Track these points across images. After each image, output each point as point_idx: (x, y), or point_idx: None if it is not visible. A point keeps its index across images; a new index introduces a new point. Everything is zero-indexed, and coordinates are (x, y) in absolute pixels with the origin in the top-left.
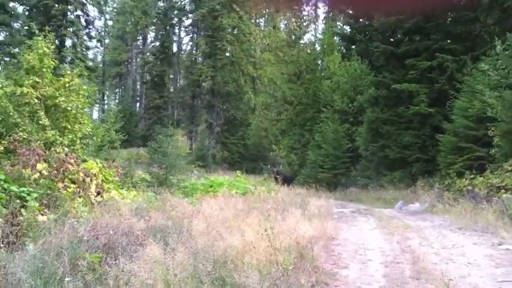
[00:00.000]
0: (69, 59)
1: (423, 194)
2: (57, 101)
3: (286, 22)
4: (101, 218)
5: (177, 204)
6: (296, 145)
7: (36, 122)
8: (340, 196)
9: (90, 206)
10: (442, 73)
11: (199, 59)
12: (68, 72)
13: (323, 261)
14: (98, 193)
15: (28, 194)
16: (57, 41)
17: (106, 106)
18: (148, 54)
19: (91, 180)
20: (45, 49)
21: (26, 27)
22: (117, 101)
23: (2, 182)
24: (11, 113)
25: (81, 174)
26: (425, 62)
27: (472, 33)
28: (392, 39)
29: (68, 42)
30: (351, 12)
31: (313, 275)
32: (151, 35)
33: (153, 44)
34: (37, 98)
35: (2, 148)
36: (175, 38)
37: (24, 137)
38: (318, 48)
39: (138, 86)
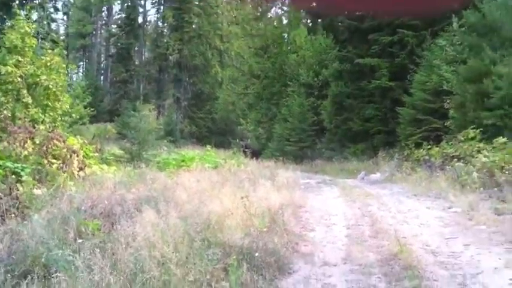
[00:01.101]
0: (34, 32)
1: (384, 165)
2: (38, 79)
3: None
4: (91, 191)
5: (155, 177)
6: (263, 119)
7: (20, 100)
8: (306, 168)
9: (75, 181)
10: (402, 48)
11: (166, 31)
12: (49, 51)
13: (293, 225)
14: (80, 168)
15: (22, 170)
16: (23, 13)
17: (69, 80)
18: (114, 26)
19: (74, 156)
20: (26, 28)
21: None
22: (81, 74)
23: None
24: None
25: (64, 150)
26: (387, 37)
27: (432, 9)
28: (356, 15)
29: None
30: None
31: (285, 236)
32: (116, 7)
33: (118, 15)
34: (20, 76)
35: None
36: (140, 10)
37: (9, 115)
38: (285, 21)
39: (102, 59)
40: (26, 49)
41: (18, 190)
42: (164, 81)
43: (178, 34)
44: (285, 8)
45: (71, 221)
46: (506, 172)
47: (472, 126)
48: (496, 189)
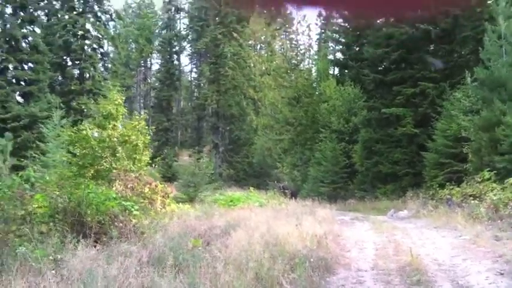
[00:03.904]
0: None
1: (411, 203)
2: (128, 138)
3: (282, 47)
4: (180, 222)
5: (220, 213)
6: (298, 162)
7: (114, 155)
8: (340, 207)
9: (162, 215)
10: (424, 98)
11: (202, 84)
12: (137, 117)
13: (334, 247)
14: (162, 206)
15: (132, 207)
16: (77, 73)
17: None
18: (154, 79)
19: (159, 197)
20: (119, 100)
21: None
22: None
23: (114, 199)
24: (96, 149)
25: (149, 192)
26: (410, 89)
27: (450, 63)
28: (380, 68)
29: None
30: (343, 40)
31: (329, 253)
32: (154, 61)
33: (158, 70)
34: (116, 137)
35: (90, 174)
36: (175, 62)
37: (107, 166)
38: (314, 73)
39: (141, 110)
40: (120, 116)
41: (131, 221)
42: (202, 128)
43: (215, 86)
44: (315, 61)
45: (184, 239)
46: (509, 207)
47: (487, 169)
48: (499, 221)
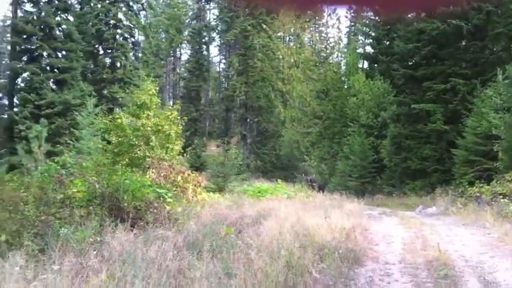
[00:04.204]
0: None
1: (440, 200)
2: (161, 127)
3: (311, 40)
4: (212, 210)
5: (250, 203)
6: (326, 156)
7: (148, 144)
8: (367, 202)
9: (194, 203)
10: (455, 95)
11: (231, 75)
12: (170, 107)
13: (361, 241)
14: (194, 195)
15: (166, 194)
16: (109, 61)
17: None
18: (183, 69)
19: (190, 186)
20: (153, 90)
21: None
22: None
23: (148, 186)
24: (130, 137)
25: (181, 180)
26: (440, 85)
27: (481, 59)
28: (410, 63)
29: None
30: (373, 33)
31: (357, 246)
32: (183, 52)
33: (187, 60)
34: (150, 126)
35: (125, 162)
36: (205, 53)
37: (141, 154)
38: (343, 67)
39: (170, 100)
40: (154, 106)
41: (165, 208)
42: (230, 119)
43: (243, 77)
44: (344, 52)
45: (216, 226)
46: None
47: None
48: None
